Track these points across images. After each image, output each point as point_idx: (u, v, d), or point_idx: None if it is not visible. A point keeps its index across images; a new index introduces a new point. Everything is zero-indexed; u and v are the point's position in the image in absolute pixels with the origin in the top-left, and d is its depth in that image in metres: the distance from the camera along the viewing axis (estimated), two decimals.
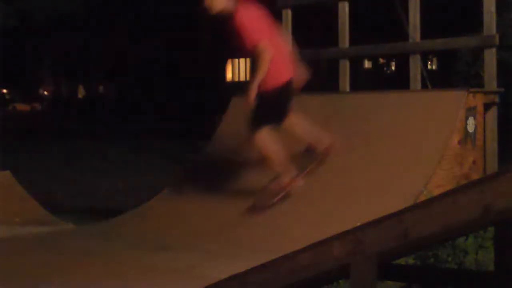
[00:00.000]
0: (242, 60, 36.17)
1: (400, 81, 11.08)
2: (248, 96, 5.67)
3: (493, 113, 6.48)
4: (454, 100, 6.17)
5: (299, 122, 6.06)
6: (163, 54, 30.93)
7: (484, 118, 6.32)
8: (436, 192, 5.05)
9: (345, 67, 7.59)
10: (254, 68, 5.74)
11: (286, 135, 5.96)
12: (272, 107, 5.84)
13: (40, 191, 8.31)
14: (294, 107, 5.97)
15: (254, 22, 5.68)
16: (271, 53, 5.59)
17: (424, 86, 7.29)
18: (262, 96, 5.70)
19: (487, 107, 6.38)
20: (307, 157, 6.09)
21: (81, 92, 46.24)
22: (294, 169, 5.94)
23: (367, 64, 32.81)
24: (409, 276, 3.17)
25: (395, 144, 6.14)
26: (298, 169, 5.96)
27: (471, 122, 6.06)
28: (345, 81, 7.54)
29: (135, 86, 34.17)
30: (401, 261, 3.55)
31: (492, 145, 6.42)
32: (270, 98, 5.76)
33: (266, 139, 5.81)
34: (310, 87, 6.36)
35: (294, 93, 5.97)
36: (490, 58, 6.61)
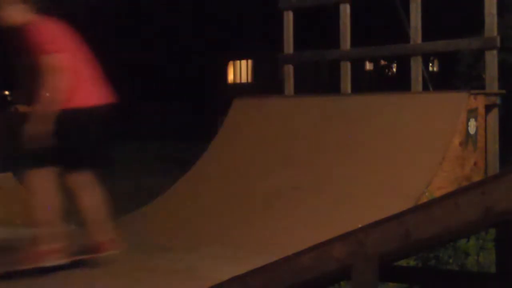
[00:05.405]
0: (243, 62, 36.19)
1: (401, 83, 11.07)
2: (33, 123, 4.51)
3: (494, 114, 6.48)
4: (456, 102, 6.17)
5: (92, 193, 4.86)
6: (164, 55, 30.95)
7: (485, 119, 6.32)
8: (438, 193, 5.05)
9: (346, 68, 7.59)
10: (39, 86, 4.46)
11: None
12: (64, 138, 4.50)
13: None
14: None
15: (49, 34, 4.57)
16: (68, 70, 4.49)
17: (425, 88, 7.29)
18: (58, 119, 4.46)
19: (488, 108, 6.39)
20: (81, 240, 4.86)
21: None
22: (61, 238, 4.69)
23: (368, 65, 32.82)
24: (410, 277, 3.17)
25: (396, 146, 6.14)
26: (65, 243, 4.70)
27: (472, 124, 6.06)
28: (346, 83, 7.55)
29: (135, 88, 34.21)
30: (402, 262, 3.55)
31: (493, 147, 6.43)
32: (63, 125, 4.47)
33: (40, 184, 4.58)
34: (312, 89, 6.36)
35: (107, 133, 4.83)
36: (491, 59, 6.62)
